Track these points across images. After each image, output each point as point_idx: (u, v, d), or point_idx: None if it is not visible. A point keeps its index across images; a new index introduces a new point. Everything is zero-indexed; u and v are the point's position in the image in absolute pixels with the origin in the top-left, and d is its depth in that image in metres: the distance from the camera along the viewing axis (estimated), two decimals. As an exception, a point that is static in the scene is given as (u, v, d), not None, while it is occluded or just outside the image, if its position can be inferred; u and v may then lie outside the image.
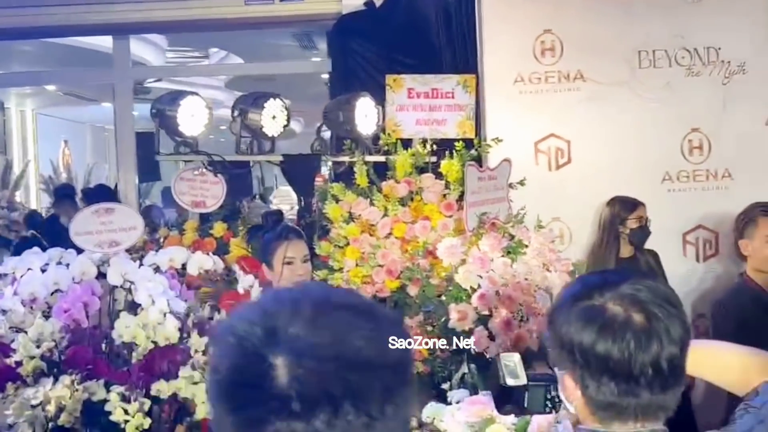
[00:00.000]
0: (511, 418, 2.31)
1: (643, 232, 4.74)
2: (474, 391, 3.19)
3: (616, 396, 1.53)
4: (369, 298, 1.29)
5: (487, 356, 3.45)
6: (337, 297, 1.20)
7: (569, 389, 1.59)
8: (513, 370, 1.84)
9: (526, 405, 1.81)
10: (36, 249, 3.80)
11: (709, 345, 2.03)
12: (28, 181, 13.24)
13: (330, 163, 5.06)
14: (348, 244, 4.17)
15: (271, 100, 4.59)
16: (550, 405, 1.81)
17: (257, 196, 10.78)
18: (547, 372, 1.82)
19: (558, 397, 1.76)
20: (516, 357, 1.89)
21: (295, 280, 3.48)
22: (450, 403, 2.68)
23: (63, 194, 9.48)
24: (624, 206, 4.77)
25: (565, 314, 1.60)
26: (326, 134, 4.87)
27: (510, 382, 1.81)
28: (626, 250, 4.78)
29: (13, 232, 9.25)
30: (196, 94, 4.50)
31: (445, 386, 2.99)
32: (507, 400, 1.85)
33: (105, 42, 7.81)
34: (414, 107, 4.54)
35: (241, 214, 7.38)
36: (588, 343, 1.54)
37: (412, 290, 4.01)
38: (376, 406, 1.09)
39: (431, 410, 2.53)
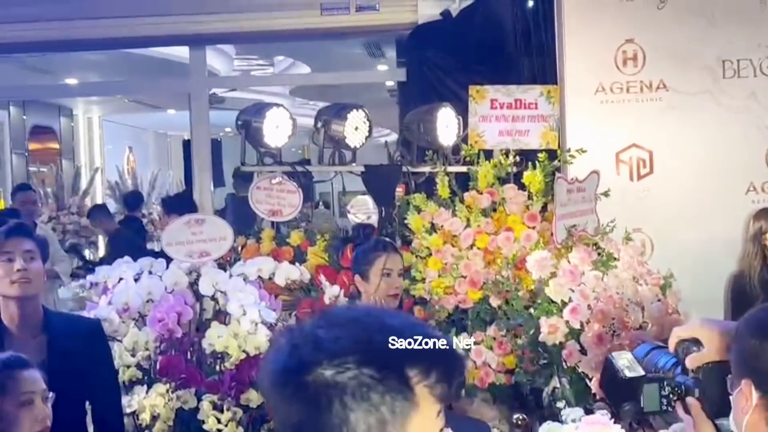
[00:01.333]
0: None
1: None
2: (567, 404, 3.18)
3: None
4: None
5: (579, 370, 3.44)
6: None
7: (744, 398, 1.59)
8: (628, 366, 1.84)
9: (642, 404, 1.81)
10: (127, 258, 3.87)
11: None
12: (95, 186, 13.46)
13: (411, 174, 5.07)
14: (430, 254, 4.17)
15: (354, 111, 4.62)
16: (665, 402, 1.80)
17: (320, 203, 10.85)
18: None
19: (672, 395, 1.78)
20: (628, 354, 1.90)
21: (392, 293, 3.50)
22: (563, 422, 2.67)
23: (133, 202, 9.67)
24: (764, 217, 4.69)
25: (753, 320, 1.64)
26: (406, 145, 4.88)
27: (629, 374, 1.80)
28: None
29: (83, 238, 9.42)
30: (281, 105, 4.54)
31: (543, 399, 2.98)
32: (623, 399, 1.84)
33: (177, 51, 7.92)
34: (497, 118, 4.53)
35: (310, 221, 7.45)
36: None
37: (495, 302, 4.01)
38: None
39: (548, 429, 2.52)
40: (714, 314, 4.41)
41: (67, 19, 6.34)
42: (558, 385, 3.42)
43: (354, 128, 4.57)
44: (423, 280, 4.17)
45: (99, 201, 13.53)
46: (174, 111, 13.85)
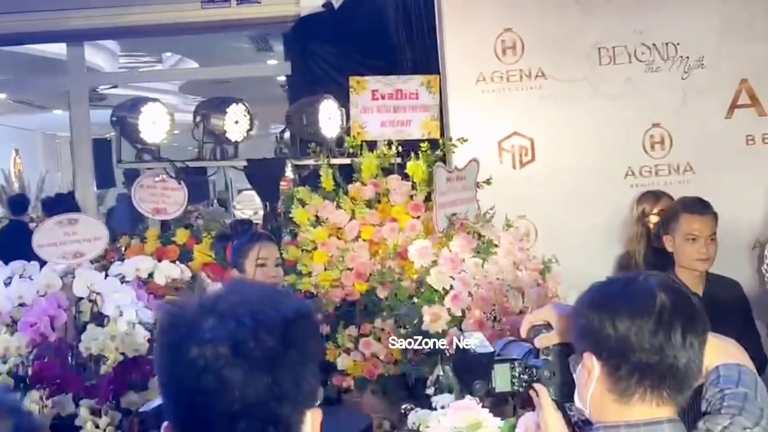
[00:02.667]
0: (497, 421, 2.31)
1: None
2: (449, 392, 3.18)
3: (634, 365, 1.59)
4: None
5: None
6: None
7: (587, 371, 1.62)
8: (478, 344, 1.85)
9: (494, 384, 1.82)
10: (-2, 262, 3.74)
11: None
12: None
13: (294, 167, 5.03)
14: (316, 248, 4.13)
15: (234, 105, 4.54)
16: (516, 384, 1.83)
17: (215, 202, 10.71)
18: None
19: (524, 375, 1.81)
20: (480, 334, 1.92)
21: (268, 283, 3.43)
22: (435, 408, 2.66)
23: (17, 206, 9.35)
24: (647, 200, 4.80)
25: (592, 293, 1.69)
26: (286, 136, 4.84)
27: (479, 350, 1.82)
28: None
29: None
30: (157, 100, 4.44)
31: (428, 390, 2.97)
32: (473, 377, 1.85)
33: (58, 48, 7.70)
34: (378, 109, 4.51)
35: (199, 219, 7.33)
36: (613, 314, 1.61)
37: (382, 293, 3.99)
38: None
39: (417, 416, 2.52)
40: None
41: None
42: (441, 373, 3.41)
43: (234, 122, 4.50)
44: (309, 274, 4.13)
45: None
46: (61, 111, 13.47)
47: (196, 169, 5.09)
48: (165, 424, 1.26)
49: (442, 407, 2.56)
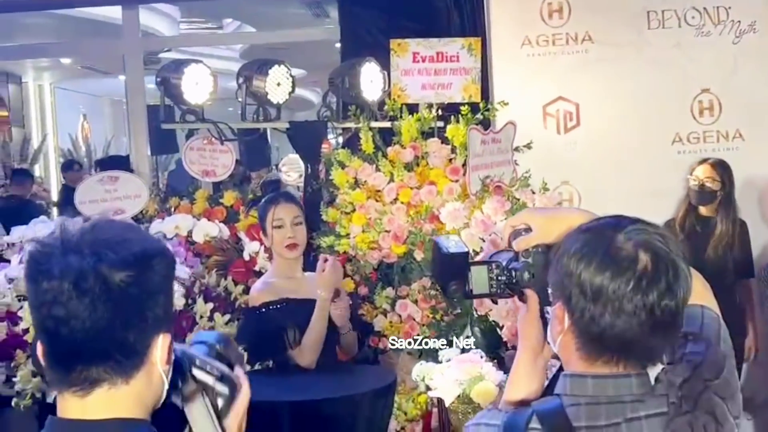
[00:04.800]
0: (500, 375, 2.32)
1: (702, 191, 4.69)
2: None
3: (604, 331, 1.53)
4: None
5: (490, 319, 3.46)
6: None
7: (558, 321, 1.59)
8: (454, 244, 1.81)
9: (470, 286, 1.79)
10: (43, 218, 3.84)
11: None
12: (48, 154, 13.31)
13: (337, 130, 5.05)
14: (354, 210, 4.17)
15: (276, 66, 4.55)
16: (495, 287, 1.76)
17: (276, 167, 10.79)
18: None
19: (502, 277, 1.75)
20: (456, 237, 1.87)
21: (287, 243, 3.43)
22: (440, 362, 2.68)
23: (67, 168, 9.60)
24: (696, 164, 4.76)
25: (573, 242, 1.58)
26: (333, 100, 4.85)
27: (453, 250, 1.78)
28: (704, 210, 4.74)
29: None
30: (201, 61, 4.48)
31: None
32: (450, 278, 1.82)
33: (114, 12, 7.81)
34: (419, 71, 4.50)
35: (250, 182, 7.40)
36: (589, 272, 1.53)
37: (418, 255, 4.02)
38: None
39: (421, 369, 2.53)
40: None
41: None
42: (470, 334, 3.43)
43: (276, 84, 4.52)
44: (347, 235, 4.17)
45: (52, 168, 13.44)
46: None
47: (250, 132, 5.14)
48: (38, 344, 1.42)
49: (447, 360, 2.57)
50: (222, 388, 1.48)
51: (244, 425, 1.53)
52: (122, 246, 1.39)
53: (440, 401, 2.54)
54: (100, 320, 1.35)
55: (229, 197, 5.03)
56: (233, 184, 5.96)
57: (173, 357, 1.46)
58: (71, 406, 1.40)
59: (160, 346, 1.42)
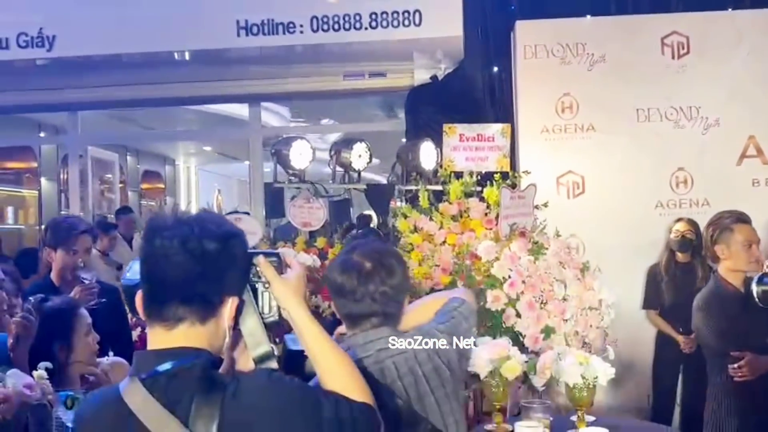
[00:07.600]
0: (522, 357, 2.25)
1: (683, 241, 4.61)
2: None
3: (350, 310, 1.90)
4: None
5: (515, 329, 3.37)
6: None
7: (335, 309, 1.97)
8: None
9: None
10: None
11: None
12: (189, 217, 13.53)
13: (402, 191, 5.06)
14: (413, 249, 4.13)
15: (358, 143, 4.60)
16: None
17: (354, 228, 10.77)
18: None
19: None
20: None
21: None
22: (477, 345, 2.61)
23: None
24: (673, 222, 4.72)
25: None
26: (398, 170, 4.87)
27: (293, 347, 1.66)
28: (681, 257, 4.67)
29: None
30: (304, 138, 4.54)
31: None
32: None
33: (239, 109, 7.95)
34: (464, 148, 4.49)
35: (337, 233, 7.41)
36: (336, 276, 1.93)
37: (459, 283, 3.95)
38: None
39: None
40: (630, 288, 4.61)
41: (160, 83, 6.37)
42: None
43: (358, 156, 4.55)
44: (408, 268, 4.12)
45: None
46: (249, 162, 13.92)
47: (342, 199, 5.16)
48: (138, 292, 1.43)
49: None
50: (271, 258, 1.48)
51: (306, 293, 1.54)
52: (216, 226, 1.42)
53: (476, 376, 2.49)
54: (192, 272, 1.37)
55: (321, 241, 5.04)
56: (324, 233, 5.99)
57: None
58: (160, 338, 1.41)
59: (230, 306, 1.42)
